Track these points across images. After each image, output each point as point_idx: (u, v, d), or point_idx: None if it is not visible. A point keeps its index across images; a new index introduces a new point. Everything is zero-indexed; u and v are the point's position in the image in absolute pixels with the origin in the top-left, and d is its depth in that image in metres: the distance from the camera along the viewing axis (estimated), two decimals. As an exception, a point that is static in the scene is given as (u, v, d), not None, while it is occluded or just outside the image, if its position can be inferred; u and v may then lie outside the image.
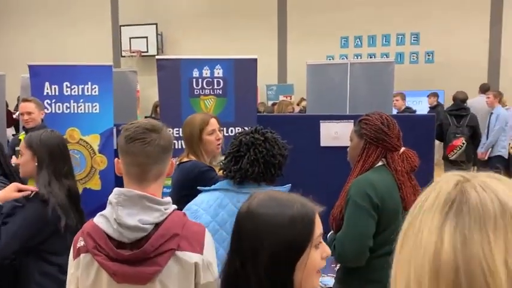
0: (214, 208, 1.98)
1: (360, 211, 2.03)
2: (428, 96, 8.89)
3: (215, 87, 3.76)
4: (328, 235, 2.25)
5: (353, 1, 10.70)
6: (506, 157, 6.29)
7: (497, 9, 9.99)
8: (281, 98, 9.98)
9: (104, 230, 1.39)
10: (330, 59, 10.35)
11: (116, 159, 1.51)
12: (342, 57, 10.70)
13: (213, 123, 2.80)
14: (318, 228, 1.15)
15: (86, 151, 4.07)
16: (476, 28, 10.02)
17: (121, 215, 1.38)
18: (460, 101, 6.28)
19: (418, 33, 10.51)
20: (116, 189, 1.43)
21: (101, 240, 1.38)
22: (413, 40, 10.61)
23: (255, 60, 3.81)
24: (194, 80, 3.75)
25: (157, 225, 1.39)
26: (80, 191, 2.47)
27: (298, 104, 8.58)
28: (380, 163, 2.16)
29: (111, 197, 1.42)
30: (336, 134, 3.99)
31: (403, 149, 2.17)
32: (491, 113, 6.48)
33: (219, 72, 3.76)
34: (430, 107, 8.71)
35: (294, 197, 1.20)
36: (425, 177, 3.47)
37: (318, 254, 1.14)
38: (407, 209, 2.11)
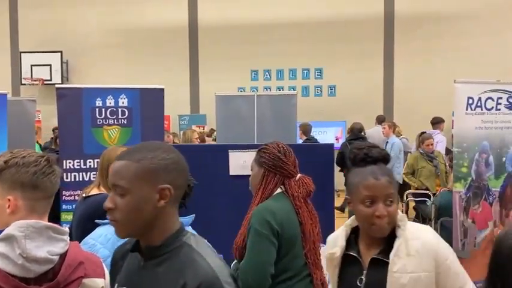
0: (112, 242, 1.91)
1: (261, 239, 2.08)
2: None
3: (119, 116, 3.68)
4: (232, 264, 2.28)
5: (262, 37, 11.21)
6: (401, 182, 6.87)
7: (389, 50, 11.11)
8: (193, 127, 9.99)
9: (2, 268, 1.28)
10: (241, 91, 10.66)
11: (11, 197, 1.37)
12: (253, 89, 11.07)
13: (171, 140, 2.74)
14: None
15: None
16: (373, 66, 11.03)
17: (29, 248, 1.30)
18: (357, 131, 6.78)
19: (322, 68, 11.28)
20: (19, 222, 1.33)
21: (1, 281, 1.28)
22: (317, 75, 11.34)
23: (162, 90, 3.82)
24: (97, 109, 3.64)
25: (61, 255, 1.36)
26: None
27: (208, 135, 8.63)
28: (279, 190, 2.26)
29: (13, 231, 1.32)
30: (244, 162, 4.08)
31: (299, 175, 2.28)
32: (387, 142, 7.07)
33: (123, 101, 3.70)
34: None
35: None
36: (325, 202, 3.68)
37: None
38: (305, 233, 2.23)
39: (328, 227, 3.56)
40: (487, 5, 10.57)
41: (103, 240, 1.91)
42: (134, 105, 3.75)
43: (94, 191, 2.58)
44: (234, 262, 2.26)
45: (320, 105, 10.95)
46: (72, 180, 3.57)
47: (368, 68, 10.96)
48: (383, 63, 11.15)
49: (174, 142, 7.30)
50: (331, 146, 4.28)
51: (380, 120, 8.38)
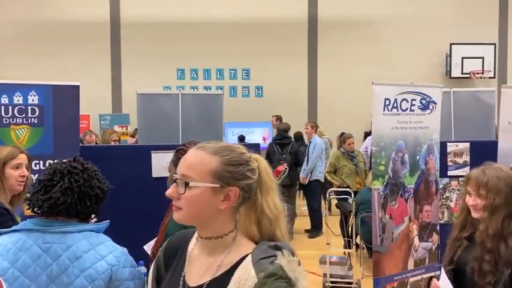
0: (13, 252, 1.71)
1: None
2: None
3: (29, 115, 3.38)
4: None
5: (188, 35, 11.02)
6: (323, 181, 7.08)
7: (313, 52, 11.46)
8: (115, 128, 9.57)
9: None
10: (167, 90, 10.39)
11: None
12: (179, 88, 10.84)
13: (22, 158, 2.51)
14: None
15: None
16: (298, 67, 11.31)
17: None
18: (282, 131, 6.89)
19: (249, 69, 11.34)
20: None
21: None
22: (245, 75, 11.39)
23: (77, 87, 3.56)
24: (3, 107, 3.31)
25: None
26: None
27: (132, 136, 8.30)
28: None
29: None
30: (167, 164, 3.95)
31: None
32: (310, 142, 7.26)
33: (34, 99, 3.40)
34: None
35: None
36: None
37: None
38: None
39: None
40: (402, 13, 11.28)
41: (2, 250, 1.71)
42: (46, 103, 3.46)
43: None
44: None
45: (247, 106, 11.00)
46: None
47: (293, 69, 11.22)
48: (307, 65, 11.47)
49: (96, 143, 6.93)
50: (257, 146, 4.29)
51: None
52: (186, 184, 1.19)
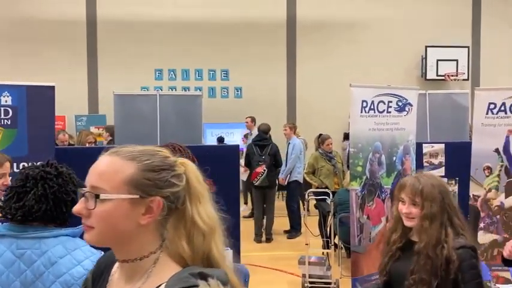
0: None
1: None
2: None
3: (2, 116, 3.30)
4: None
5: (166, 35, 10.93)
6: (302, 181, 7.12)
7: (291, 53, 11.52)
8: (92, 129, 9.42)
9: None
10: (145, 90, 10.28)
11: None
12: (157, 89, 10.74)
13: (7, 167, 2.46)
14: None
15: None
16: (277, 69, 11.34)
17: None
18: (262, 132, 6.90)
19: (228, 70, 11.32)
20: None
21: None
22: (224, 76, 11.36)
23: (52, 87, 3.49)
24: (-26, 108, 3.22)
25: None
26: None
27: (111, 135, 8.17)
28: None
29: None
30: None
31: None
32: (289, 143, 7.29)
33: (7, 100, 3.32)
34: None
35: None
36: (230, 204, 3.65)
37: None
38: None
39: (234, 229, 3.56)
40: (379, 16, 11.44)
41: None
42: (20, 104, 3.38)
43: None
44: None
45: (227, 107, 10.97)
46: None
47: (272, 70, 11.25)
48: (286, 66, 11.52)
49: (70, 144, 6.80)
50: (236, 147, 4.29)
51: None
52: (97, 197, 0.99)
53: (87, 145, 6.00)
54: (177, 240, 1.04)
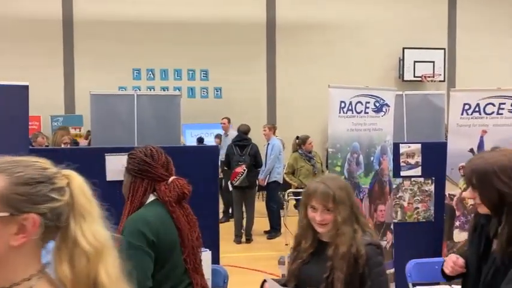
0: None
1: (135, 251, 1.94)
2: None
3: (-28, 117, 3.19)
4: None
5: (144, 35, 10.80)
6: (281, 182, 7.13)
7: (271, 54, 11.53)
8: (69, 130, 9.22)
9: None
10: (122, 90, 10.14)
11: None
12: (135, 88, 10.62)
13: None
14: None
15: None
16: (256, 69, 11.35)
17: None
18: (242, 133, 6.88)
19: (207, 70, 11.26)
20: None
21: None
22: (203, 76, 11.30)
23: (26, 87, 3.39)
24: None
25: None
26: None
27: (86, 138, 8.05)
28: (152, 197, 2.13)
29: None
30: (123, 167, 3.84)
31: (172, 178, 2.15)
32: (268, 144, 7.30)
33: (-23, 99, 3.21)
34: None
35: None
36: (210, 205, 3.62)
37: None
38: (183, 238, 2.13)
39: (213, 230, 3.53)
40: (358, 18, 11.57)
41: None
42: (-9, 103, 3.28)
43: None
44: None
45: (206, 107, 10.92)
46: None
47: (252, 71, 11.25)
48: (266, 67, 11.53)
49: (46, 145, 6.68)
50: (216, 147, 4.26)
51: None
52: None
53: (62, 145, 5.88)
54: (58, 262, 0.92)
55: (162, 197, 2.10)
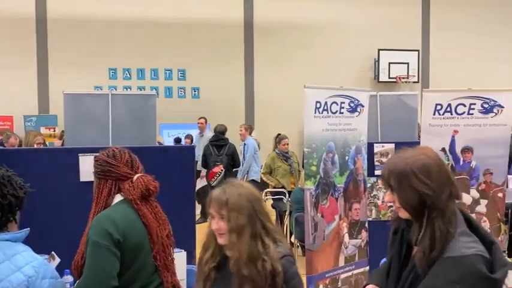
0: None
1: (100, 251, 1.93)
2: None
3: None
4: (76, 284, 2.07)
5: (120, 34, 10.67)
6: (259, 181, 7.16)
7: (249, 55, 11.55)
8: (42, 130, 9.06)
9: None
10: (98, 90, 9.99)
11: None
12: (111, 88, 10.47)
13: None
14: None
15: None
16: (234, 69, 11.34)
17: None
18: (219, 133, 6.88)
19: (185, 70, 11.19)
20: None
21: None
22: (180, 76, 11.23)
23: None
24: None
25: None
26: None
27: (60, 138, 7.90)
28: (121, 197, 2.12)
29: None
30: (96, 168, 3.80)
31: (137, 175, 2.14)
32: (244, 144, 7.32)
33: None
34: None
35: None
36: (184, 204, 3.61)
37: None
38: (152, 235, 2.11)
39: (187, 230, 3.51)
40: (334, 19, 11.70)
41: None
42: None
43: None
44: (77, 282, 2.06)
45: (184, 107, 10.85)
46: None
47: (230, 71, 11.24)
48: (244, 67, 11.54)
49: (19, 145, 6.52)
50: (192, 148, 4.25)
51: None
52: None
53: (35, 146, 5.75)
54: None
55: (126, 195, 2.09)
